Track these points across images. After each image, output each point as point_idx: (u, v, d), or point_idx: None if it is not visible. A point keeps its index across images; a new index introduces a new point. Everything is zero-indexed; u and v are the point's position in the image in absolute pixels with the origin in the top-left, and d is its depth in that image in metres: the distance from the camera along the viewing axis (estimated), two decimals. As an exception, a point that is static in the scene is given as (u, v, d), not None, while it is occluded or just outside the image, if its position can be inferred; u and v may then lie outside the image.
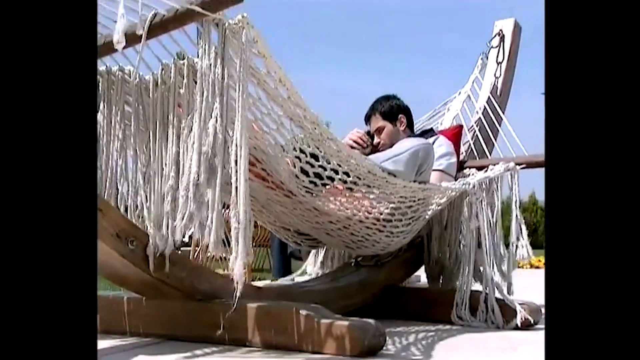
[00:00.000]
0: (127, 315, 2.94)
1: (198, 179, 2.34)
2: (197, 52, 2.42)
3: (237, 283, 2.33)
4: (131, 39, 2.49)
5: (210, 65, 2.36)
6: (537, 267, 12.27)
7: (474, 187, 3.57)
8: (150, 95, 2.68)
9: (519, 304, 3.35)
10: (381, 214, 3.30)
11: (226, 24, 2.35)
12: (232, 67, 2.39)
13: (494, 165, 3.84)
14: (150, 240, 2.60)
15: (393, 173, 3.17)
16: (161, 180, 2.62)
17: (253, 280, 6.29)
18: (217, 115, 2.34)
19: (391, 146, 3.90)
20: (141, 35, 2.45)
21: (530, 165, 3.89)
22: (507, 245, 3.71)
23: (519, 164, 3.80)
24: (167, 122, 2.63)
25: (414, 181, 3.28)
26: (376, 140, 4.01)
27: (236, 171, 2.33)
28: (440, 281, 3.80)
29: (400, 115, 3.97)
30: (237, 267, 2.31)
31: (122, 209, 2.75)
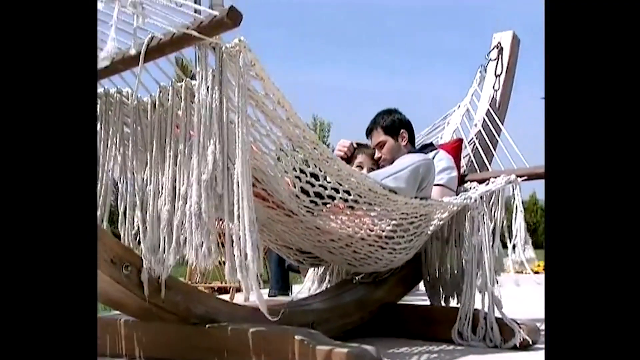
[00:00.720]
0: (123, 338, 2.90)
1: (199, 210, 2.30)
2: (195, 76, 2.38)
3: (264, 311, 2.37)
4: (128, 62, 2.46)
5: (208, 89, 2.32)
6: (537, 272, 12.25)
7: (475, 201, 3.53)
8: (149, 117, 2.64)
9: (518, 323, 3.32)
10: (383, 231, 3.27)
11: (223, 48, 2.32)
12: (230, 91, 2.35)
13: (495, 178, 3.80)
14: (145, 265, 2.57)
15: (394, 190, 3.13)
16: (157, 204, 2.58)
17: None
18: (216, 142, 2.30)
19: (392, 161, 3.87)
20: (138, 59, 2.41)
21: (532, 177, 3.85)
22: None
23: (520, 176, 3.77)
24: (164, 145, 2.59)
25: (415, 197, 3.24)
26: (377, 154, 3.97)
27: (239, 198, 2.29)
28: (442, 297, 3.77)
29: (402, 130, 3.92)
30: (257, 300, 2.33)
31: (120, 231, 2.70)
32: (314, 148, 2.79)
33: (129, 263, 2.55)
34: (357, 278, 3.73)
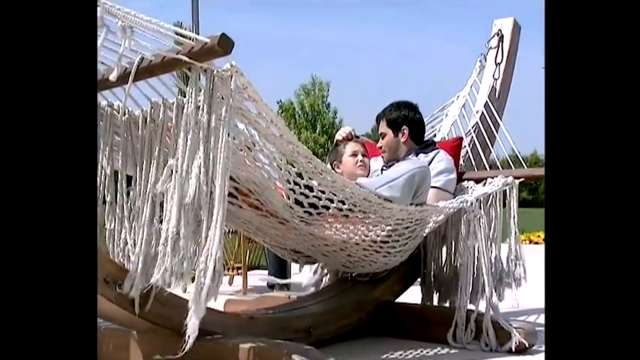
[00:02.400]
0: (118, 348, 2.90)
1: (177, 234, 2.28)
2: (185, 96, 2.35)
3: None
4: (119, 79, 2.43)
5: (198, 110, 2.29)
6: (537, 243, 12.28)
7: (471, 204, 3.51)
8: (140, 131, 2.60)
9: (515, 327, 3.32)
10: (378, 236, 3.26)
11: (215, 71, 2.27)
12: (219, 113, 2.31)
13: (492, 178, 3.78)
14: (136, 281, 2.55)
15: (389, 199, 3.11)
16: (145, 219, 2.55)
17: (250, 269, 6.22)
18: (200, 165, 2.27)
19: (389, 154, 3.88)
20: (128, 77, 2.37)
21: (529, 179, 3.83)
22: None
23: (517, 178, 3.74)
24: (152, 161, 2.55)
25: (411, 204, 3.22)
26: (379, 144, 3.98)
27: (215, 224, 2.28)
28: (436, 298, 3.78)
29: (403, 127, 3.88)
30: (190, 327, 2.30)
31: (108, 245, 2.68)
32: (308, 162, 2.77)
33: (121, 280, 2.53)
34: (354, 274, 3.73)
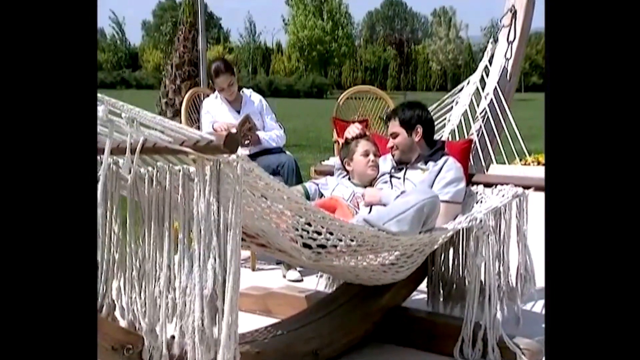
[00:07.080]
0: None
1: (202, 325, 2.27)
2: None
3: None
4: (123, 151, 2.37)
5: (207, 202, 2.24)
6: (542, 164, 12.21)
7: (480, 221, 3.47)
8: (146, 190, 2.54)
9: (521, 348, 3.33)
10: (386, 260, 3.25)
11: (221, 159, 2.21)
12: (227, 200, 2.27)
13: (502, 185, 3.73)
14: (146, 344, 2.55)
15: (397, 234, 3.07)
16: (155, 282, 2.53)
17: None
18: (215, 255, 2.25)
19: (402, 153, 3.84)
20: (134, 151, 2.31)
21: (540, 188, 3.75)
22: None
23: (528, 187, 3.68)
24: (162, 224, 2.50)
25: (420, 232, 3.20)
26: (390, 143, 3.91)
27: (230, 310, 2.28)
28: (441, 301, 3.81)
29: (417, 126, 3.83)
30: None
31: (117, 304, 2.65)
32: (315, 214, 2.75)
33: (130, 345, 2.53)
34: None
